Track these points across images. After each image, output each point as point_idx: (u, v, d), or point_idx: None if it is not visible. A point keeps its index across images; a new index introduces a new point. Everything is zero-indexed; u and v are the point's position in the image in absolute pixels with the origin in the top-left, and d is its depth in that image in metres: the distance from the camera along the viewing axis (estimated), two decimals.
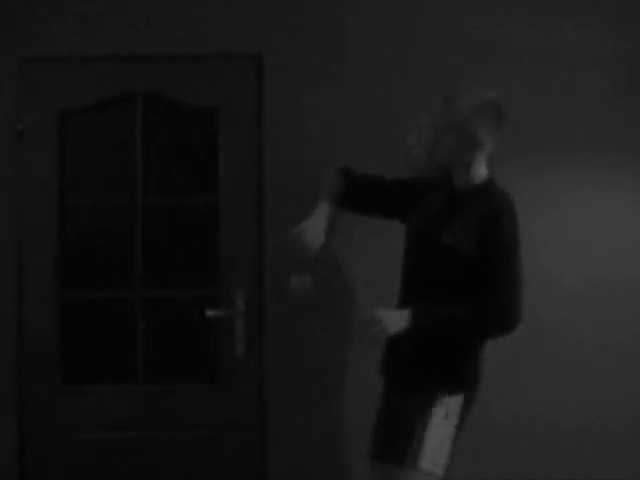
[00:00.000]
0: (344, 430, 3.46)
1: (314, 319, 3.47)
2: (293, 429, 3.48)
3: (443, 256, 2.60)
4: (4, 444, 3.48)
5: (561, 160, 3.48)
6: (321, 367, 3.48)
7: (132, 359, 3.54)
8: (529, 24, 3.49)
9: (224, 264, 3.51)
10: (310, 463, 3.48)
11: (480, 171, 2.69)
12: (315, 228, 2.75)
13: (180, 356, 3.56)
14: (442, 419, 2.58)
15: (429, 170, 2.93)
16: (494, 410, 3.37)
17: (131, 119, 3.55)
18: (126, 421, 3.51)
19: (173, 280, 3.56)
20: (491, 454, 3.45)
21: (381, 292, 3.03)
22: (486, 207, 2.60)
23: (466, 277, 2.57)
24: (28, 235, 3.52)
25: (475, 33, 3.49)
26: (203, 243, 3.56)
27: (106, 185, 3.58)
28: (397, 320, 2.52)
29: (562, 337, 3.46)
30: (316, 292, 3.46)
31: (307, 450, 3.48)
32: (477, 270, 2.55)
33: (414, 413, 2.57)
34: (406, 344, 2.60)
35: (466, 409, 2.65)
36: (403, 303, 2.72)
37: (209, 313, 3.49)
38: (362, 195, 2.92)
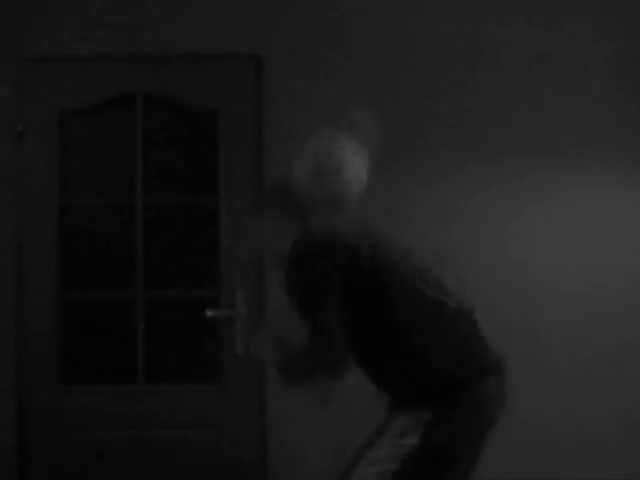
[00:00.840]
0: (344, 430, 3.46)
1: None
2: (293, 429, 3.48)
3: None
4: (4, 444, 3.48)
5: (561, 159, 3.49)
6: None
7: (132, 359, 3.54)
8: (526, 25, 3.51)
9: (224, 264, 3.52)
10: (310, 463, 3.49)
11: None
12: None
13: (180, 356, 3.56)
14: (395, 438, 2.35)
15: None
16: None
17: (131, 119, 3.56)
18: (126, 421, 3.51)
19: (173, 280, 3.56)
20: (491, 454, 3.44)
21: None
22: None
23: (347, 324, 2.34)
24: (28, 235, 3.52)
25: (474, 33, 3.50)
26: (203, 243, 3.57)
27: (106, 185, 3.59)
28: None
29: (559, 340, 3.47)
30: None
31: (307, 450, 3.49)
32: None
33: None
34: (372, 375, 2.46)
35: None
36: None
37: (209, 313, 3.49)
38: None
